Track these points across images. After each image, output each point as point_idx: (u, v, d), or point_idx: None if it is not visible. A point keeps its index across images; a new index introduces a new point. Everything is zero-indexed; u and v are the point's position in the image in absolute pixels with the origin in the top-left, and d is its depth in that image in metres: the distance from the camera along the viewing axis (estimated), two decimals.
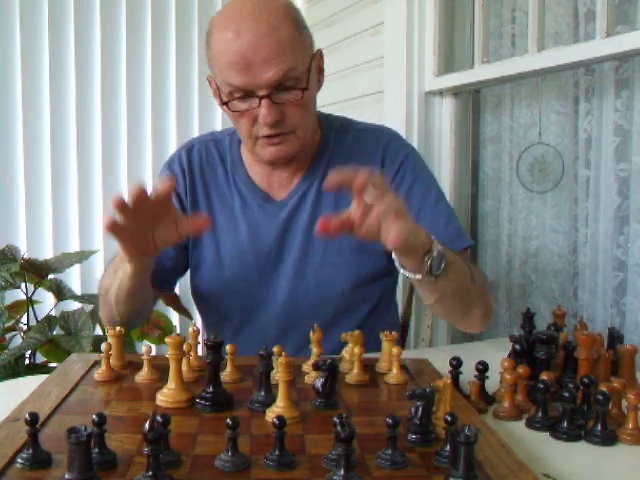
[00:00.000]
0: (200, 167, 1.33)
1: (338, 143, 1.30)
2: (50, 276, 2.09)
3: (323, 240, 1.26)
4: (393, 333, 1.01)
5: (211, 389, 0.83)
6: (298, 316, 1.24)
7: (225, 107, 1.15)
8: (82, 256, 2.13)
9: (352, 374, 0.95)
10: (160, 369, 0.92)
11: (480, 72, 1.85)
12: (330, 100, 2.12)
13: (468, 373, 0.92)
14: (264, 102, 1.10)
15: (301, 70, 1.13)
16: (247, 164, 1.31)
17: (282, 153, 1.19)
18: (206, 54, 1.20)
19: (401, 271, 1.01)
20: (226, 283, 1.30)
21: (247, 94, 1.12)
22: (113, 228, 0.94)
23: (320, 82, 1.25)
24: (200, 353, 1.03)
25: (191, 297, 1.40)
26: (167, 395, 0.83)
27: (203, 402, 0.82)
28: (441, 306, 1.12)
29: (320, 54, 1.23)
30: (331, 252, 1.27)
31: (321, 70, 1.24)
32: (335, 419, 0.63)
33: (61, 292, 2.11)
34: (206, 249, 1.31)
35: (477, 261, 2.05)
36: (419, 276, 0.98)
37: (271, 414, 0.77)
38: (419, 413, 0.73)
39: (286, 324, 1.28)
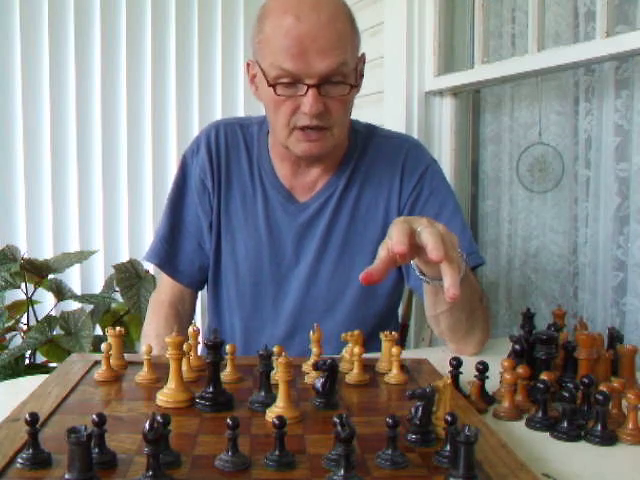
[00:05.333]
0: (226, 149, 1.32)
1: (363, 150, 1.30)
2: (50, 276, 2.09)
3: (338, 248, 1.27)
4: (393, 333, 1.01)
5: (211, 389, 0.83)
6: (306, 320, 1.24)
7: (271, 89, 1.13)
8: (82, 256, 2.14)
9: (352, 374, 0.95)
10: (160, 369, 0.93)
11: (480, 72, 1.85)
12: None
13: (468, 373, 0.92)
14: (311, 91, 1.10)
15: (351, 67, 1.13)
16: (274, 159, 1.30)
17: (316, 150, 1.17)
18: (253, 37, 1.18)
19: (423, 278, 1.00)
20: (238, 275, 1.31)
21: (295, 81, 1.11)
22: None
23: (359, 86, 1.23)
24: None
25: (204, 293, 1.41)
26: (167, 395, 0.83)
27: (203, 402, 0.82)
28: (449, 317, 1.11)
29: (363, 59, 1.22)
30: (345, 261, 1.27)
31: (361, 75, 1.23)
32: (335, 419, 0.63)
33: (61, 292, 2.11)
34: (222, 238, 1.32)
35: None
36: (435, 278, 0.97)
37: (271, 414, 0.77)
38: (419, 413, 0.73)
39: (294, 326, 1.28)
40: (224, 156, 1.31)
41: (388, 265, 0.86)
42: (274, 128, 1.21)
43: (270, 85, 1.13)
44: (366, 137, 1.32)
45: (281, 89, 1.13)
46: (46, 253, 2.32)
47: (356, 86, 1.14)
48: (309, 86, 1.10)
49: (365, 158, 1.30)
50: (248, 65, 1.22)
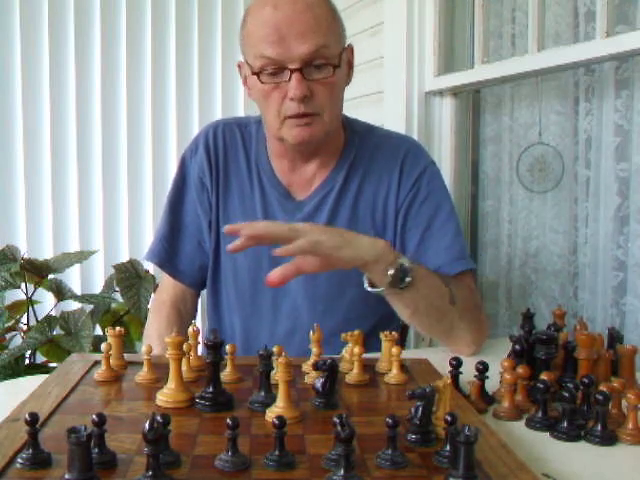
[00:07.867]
0: (224, 148, 1.33)
1: (360, 149, 1.31)
2: (50, 276, 2.09)
3: None
4: (393, 333, 1.01)
5: (211, 389, 0.83)
6: (306, 319, 1.24)
7: (256, 78, 1.15)
8: (82, 256, 2.14)
9: (352, 374, 0.95)
10: (160, 369, 0.93)
11: (480, 72, 1.85)
12: None
13: (468, 373, 0.92)
14: (295, 75, 1.11)
15: (333, 51, 1.15)
16: (271, 157, 1.31)
17: (307, 135, 1.17)
18: (239, 37, 1.21)
19: (366, 286, 1.06)
20: (237, 274, 1.31)
21: (279, 68, 1.13)
22: None
23: (349, 77, 1.26)
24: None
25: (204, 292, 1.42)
26: (167, 395, 0.83)
27: (203, 402, 0.82)
28: (417, 322, 1.15)
29: (351, 49, 1.24)
30: None
31: (351, 65, 1.25)
32: (335, 419, 0.63)
33: (61, 292, 2.11)
34: (221, 237, 1.31)
35: (477, 261, 2.05)
36: (382, 289, 1.03)
37: (271, 414, 0.77)
38: (419, 413, 0.73)
39: (293, 326, 1.28)
40: (222, 155, 1.32)
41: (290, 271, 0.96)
42: (267, 122, 1.22)
43: (254, 73, 1.15)
44: (364, 136, 1.32)
45: (266, 77, 1.14)
46: (46, 253, 2.32)
47: (339, 66, 1.16)
48: (292, 70, 1.11)
49: (363, 156, 1.30)
50: (240, 67, 1.23)
